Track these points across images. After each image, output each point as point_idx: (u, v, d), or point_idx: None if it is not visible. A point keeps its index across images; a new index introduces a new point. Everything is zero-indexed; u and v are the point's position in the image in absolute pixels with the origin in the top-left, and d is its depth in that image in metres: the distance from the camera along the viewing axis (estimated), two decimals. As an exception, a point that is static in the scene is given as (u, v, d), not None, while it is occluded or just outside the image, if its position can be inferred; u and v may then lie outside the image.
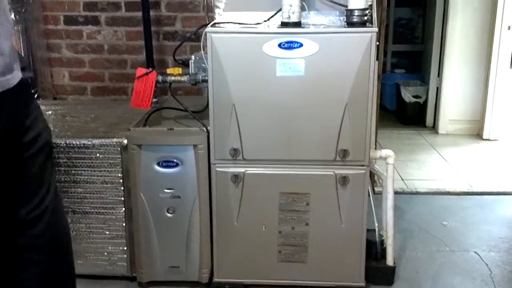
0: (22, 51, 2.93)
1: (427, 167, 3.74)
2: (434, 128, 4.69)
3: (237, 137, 1.99)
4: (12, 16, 2.83)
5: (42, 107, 2.64)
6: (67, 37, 3.22)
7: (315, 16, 2.03)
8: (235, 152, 2.00)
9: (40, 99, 3.05)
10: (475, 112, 4.49)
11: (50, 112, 2.57)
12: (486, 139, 4.34)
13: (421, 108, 4.80)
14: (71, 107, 2.69)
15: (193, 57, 2.07)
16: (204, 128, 2.03)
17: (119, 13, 3.16)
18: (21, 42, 2.92)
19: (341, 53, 1.89)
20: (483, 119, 4.39)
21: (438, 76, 4.63)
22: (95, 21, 3.18)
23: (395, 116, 5.02)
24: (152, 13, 3.13)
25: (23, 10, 2.88)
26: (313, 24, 2.01)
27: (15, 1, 2.83)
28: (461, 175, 3.55)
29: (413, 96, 4.79)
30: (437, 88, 4.64)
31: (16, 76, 1.21)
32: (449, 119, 4.55)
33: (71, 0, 3.16)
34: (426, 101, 4.77)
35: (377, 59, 2.30)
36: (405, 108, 4.84)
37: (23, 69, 1.29)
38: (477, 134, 4.46)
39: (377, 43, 2.22)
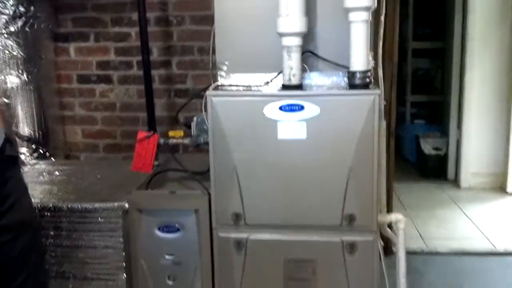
0: (34, 110, 2.97)
1: (448, 224, 3.59)
2: (455, 181, 4.55)
3: (239, 202, 1.93)
4: (25, 76, 2.89)
5: (51, 167, 2.66)
6: (80, 95, 3.26)
7: (317, 77, 1.99)
8: (237, 217, 1.93)
9: (51, 158, 3.06)
10: (498, 165, 4.35)
11: (57, 173, 2.57)
12: (511, 194, 4.18)
13: (442, 160, 4.68)
14: (78, 167, 2.68)
15: (195, 119, 2.05)
16: (206, 191, 1.98)
17: (131, 72, 3.19)
18: (32, 101, 2.96)
19: (343, 115, 1.84)
20: (506, 171, 4.24)
21: (458, 127, 4.53)
22: (107, 79, 3.22)
23: (415, 168, 4.90)
24: (163, 71, 3.17)
25: (35, 70, 2.93)
26: (315, 85, 1.98)
27: (27, 61, 2.88)
28: (483, 233, 3.40)
29: (433, 148, 4.68)
30: (457, 140, 4.53)
31: None
32: (471, 172, 4.41)
33: (84, 59, 3.21)
34: (446, 153, 4.66)
35: (384, 119, 2.24)
36: (425, 160, 4.73)
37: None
38: (500, 187, 4.31)
39: (384, 102, 2.18)
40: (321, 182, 1.89)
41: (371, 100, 1.81)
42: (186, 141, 2.05)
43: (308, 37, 1.91)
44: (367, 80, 1.84)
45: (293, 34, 1.83)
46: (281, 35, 1.85)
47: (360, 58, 1.83)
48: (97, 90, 3.25)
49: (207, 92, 1.90)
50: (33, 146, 2.99)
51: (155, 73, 3.17)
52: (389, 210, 3.08)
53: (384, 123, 2.24)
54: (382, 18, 2.15)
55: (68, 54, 3.21)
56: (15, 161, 1.42)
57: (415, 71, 5.49)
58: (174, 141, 2.06)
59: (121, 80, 3.20)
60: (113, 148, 3.30)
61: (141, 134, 2.02)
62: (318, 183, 1.89)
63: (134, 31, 3.13)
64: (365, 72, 1.83)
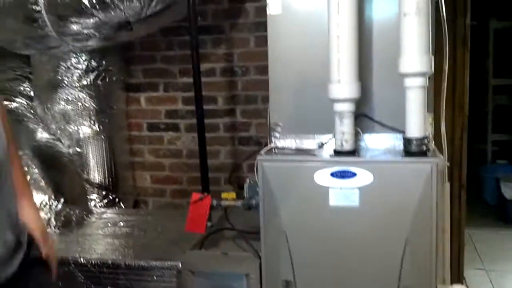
0: (105, 158, 3.10)
1: (529, 280, 3.33)
2: (541, 230, 4.22)
3: (289, 268, 1.89)
4: (96, 126, 3.02)
5: (117, 217, 2.75)
6: (150, 142, 3.36)
7: (372, 139, 1.92)
8: (287, 285, 1.89)
9: (121, 203, 3.17)
10: None
11: (122, 223, 2.65)
12: None
13: (525, 206, 4.37)
14: (142, 218, 2.75)
15: (247, 180, 2.05)
16: (257, 255, 1.96)
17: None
18: (104, 149, 3.09)
19: (398, 184, 1.76)
20: None
21: (544, 171, 4.22)
22: (175, 128, 3.31)
23: (495, 213, 4.61)
24: (228, 119, 3.21)
25: (106, 120, 3.06)
26: (369, 150, 1.91)
27: (99, 112, 3.01)
28: None
29: (516, 193, 4.39)
30: (543, 184, 4.22)
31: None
32: (559, 220, 4.08)
33: (154, 108, 3.32)
34: (530, 199, 4.34)
35: (448, 180, 2.13)
36: (506, 206, 4.43)
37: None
38: None
39: (448, 163, 2.07)
40: (375, 252, 1.81)
41: (428, 169, 1.72)
42: (239, 203, 2.05)
43: (362, 98, 1.85)
44: (424, 147, 1.75)
45: (345, 100, 1.79)
46: (333, 101, 1.81)
47: (416, 125, 1.75)
48: (165, 138, 3.34)
49: (258, 157, 1.89)
50: (103, 192, 3.11)
51: (220, 121, 3.23)
52: (461, 265, 2.90)
53: (447, 185, 2.12)
54: (446, 67, 2.05)
55: (138, 103, 3.33)
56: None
57: (496, 108, 5.20)
58: (227, 203, 2.07)
59: (187, 128, 3.28)
60: (179, 194, 3.36)
61: (195, 196, 2.04)
62: (372, 253, 1.82)
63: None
64: (421, 139, 1.75)
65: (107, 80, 3.03)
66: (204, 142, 2.33)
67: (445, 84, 2.08)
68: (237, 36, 3.13)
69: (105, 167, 3.11)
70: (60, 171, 2.79)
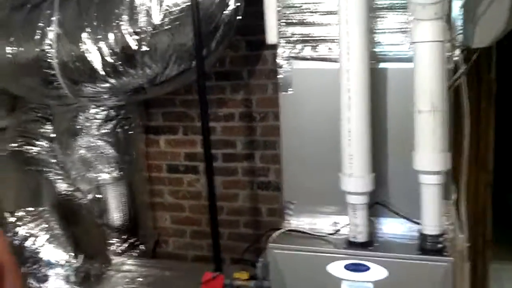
0: (125, 201, 3.11)
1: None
2: None
3: None
4: (116, 173, 3.04)
5: (135, 271, 2.77)
6: (169, 184, 3.37)
7: (387, 225, 1.87)
8: None
9: (141, 246, 3.19)
10: None
11: (140, 279, 2.66)
12: None
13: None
14: (160, 273, 2.76)
15: (260, 262, 2.02)
16: None
17: (216, 164, 3.24)
18: (123, 193, 3.10)
19: (413, 281, 1.71)
20: None
21: None
22: (194, 170, 3.30)
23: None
24: (246, 164, 3.19)
25: (126, 166, 3.08)
26: (384, 238, 1.85)
27: (119, 158, 3.02)
28: None
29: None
30: None
31: None
32: None
33: (173, 150, 3.32)
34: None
35: (468, 260, 2.07)
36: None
37: None
38: None
39: (468, 244, 2.01)
40: None
41: (443, 269, 1.67)
42: (251, 284, 2.03)
43: (377, 185, 1.79)
44: (439, 245, 1.69)
45: (357, 193, 1.74)
46: (345, 193, 1.77)
47: (432, 222, 1.69)
48: (185, 180, 3.34)
49: (269, 244, 1.87)
50: (124, 236, 3.14)
51: (239, 165, 3.21)
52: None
53: (467, 266, 2.06)
54: (467, 123, 1.93)
55: (158, 145, 3.34)
56: None
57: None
58: (239, 282, 2.05)
59: (206, 171, 3.26)
60: (199, 235, 3.37)
61: (207, 275, 2.03)
62: None
63: (220, 125, 3.19)
64: (437, 236, 1.69)
65: (126, 127, 3.03)
66: (215, 214, 2.31)
67: (467, 142, 1.99)
68: (255, 82, 3.09)
69: (125, 210, 3.14)
70: (79, 225, 2.82)
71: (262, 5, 2.10)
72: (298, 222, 1.99)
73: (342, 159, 1.74)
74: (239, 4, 2.32)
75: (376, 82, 1.78)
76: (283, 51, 1.95)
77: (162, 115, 3.30)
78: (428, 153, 1.63)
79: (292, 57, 1.93)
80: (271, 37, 1.96)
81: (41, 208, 2.67)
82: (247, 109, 3.13)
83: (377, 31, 1.81)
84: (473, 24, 1.79)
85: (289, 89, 1.95)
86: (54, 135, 3.10)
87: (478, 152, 2.60)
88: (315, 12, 1.87)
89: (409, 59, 1.71)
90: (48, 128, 3.14)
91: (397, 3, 1.78)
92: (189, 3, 2.11)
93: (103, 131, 2.97)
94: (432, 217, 1.68)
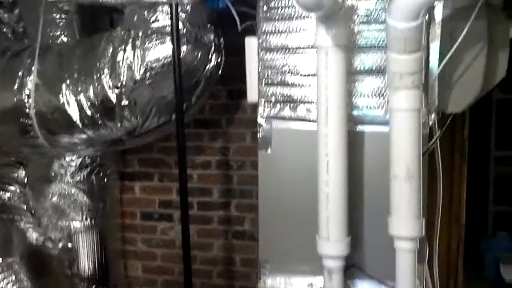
0: (95, 249, 3.04)
1: None
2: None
3: None
4: (88, 221, 2.98)
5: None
6: (142, 231, 3.32)
7: (363, 287, 1.87)
8: None
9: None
10: None
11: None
12: None
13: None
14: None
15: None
16: None
17: (191, 212, 3.21)
18: (95, 241, 3.03)
19: None
20: None
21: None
22: (169, 218, 3.27)
23: (497, 293, 4.51)
24: (222, 212, 3.18)
25: (98, 214, 3.02)
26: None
27: (92, 206, 2.97)
28: None
29: (516, 276, 4.29)
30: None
31: None
32: None
33: (148, 197, 3.29)
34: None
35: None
36: (506, 288, 4.34)
37: None
38: None
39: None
40: None
41: (417, 335, 1.67)
42: None
43: (353, 248, 1.80)
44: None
45: (334, 257, 1.75)
46: (321, 255, 1.77)
47: (406, 286, 1.70)
48: (159, 227, 3.29)
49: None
50: (94, 286, 3.06)
51: (214, 213, 3.18)
52: None
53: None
54: (440, 187, 1.97)
55: (133, 192, 3.30)
56: None
57: (498, 179, 5.14)
58: None
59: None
60: (171, 284, 3.31)
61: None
62: None
63: (196, 173, 3.18)
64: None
65: (101, 174, 3.00)
66: (189, 263, 2.28)
67: (440, 202, 2.02)
68: (234, 130, 3.10)
69: (96, 259, 3.06)
70: (49, 276, 2.75)
71: (242, 55, 2.15)
72: (273, 282, 1.98)
73: (319, 222, 1.75)
74: (220, 59, 2.35)
75: (353, 145, 1.81)
76: (262, 110, 1.97)
77: (138, 161, 3.27)
78: (404, 219, 1.65)
79: (272, 116, 1.96)
80: (252, 96, 1.99)
81: (10, 259, 2.59)
82: (225, 157, 3.13)
83: (355, 94, 1.84)
84: (448, 90, 1.85)
85: (268, 148, 1.96)
86: (27, 180, 3.04)
87: (451, 207, 2.65)
88: (296, 73, 1.91)
89: (386, 123, 1.75)
90: (21, 173, 3.09)
91: (374, 68, 1.83)
92: (170, 59, 2.12)
93: (77, 178, 2.92)
94: (406, 281, 1.69)
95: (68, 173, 2.91)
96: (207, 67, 2.29)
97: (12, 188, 3.07)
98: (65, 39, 2.51)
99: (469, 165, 2.74)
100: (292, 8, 1.85)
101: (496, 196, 5.13)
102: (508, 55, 1.90)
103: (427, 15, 1.67)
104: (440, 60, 1.77)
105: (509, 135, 5.00)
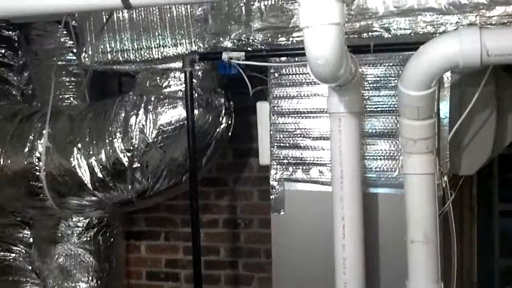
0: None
1: None
2: None
3: None
4: (94, 282, 2.93)
5: None
6: (149, 291, 3.26)
7: None
8: None
9: None
10: None
11: None
12: None
13: None
14: None
15: None
16: None
17: (199, 271, 3.17)
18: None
19: None
20: None
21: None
22: (175, 277, 3.22)
23: None
24: (229, 271, 3.13)
25: (105, 275, 2.98)
26: None
27: (98, 266, 2.93)
28: None
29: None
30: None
31: None
32: None
33: (154, 257, 3.25)
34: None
35: None
36: None
37: None
38: None
39: None
40: None
41: None
42: None
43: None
44: None
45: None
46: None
47: None
48: (165, 287, 3.24)
49: None
50: None
51: (222, 273, 3.14)
52: None
53: None
54: (454, 248, 1.94)
55: (139, 251, 3.26)
56: None
57: (504, 233, 5.10)
58: None
59: (188, 279, 3.18)
60: None
61: None
62: None
63: (203, 232, 3.15)
64: None
65: (108, 234, 2.97)
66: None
67: (455, 262, 2.00)
68: (241, 189, 3.10)
69: (102, 322, 3.00)
70: None
71: (249, 115, 2.18)
72: None
73: (336, 287, 1.73)
74: (230, 121, 2.38)
75: (367, 207, 1.81)
76: (275, 173, 1.99)
77: (144, 220, 3.26)
78: (422, 284, 1.63)
79: (284, 178, 1.97)
80: (264, 159, 2.01)
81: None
82: (232, 216, 3.12)
83: (368, 157, 1.87)
84: (460, 153, 1.87)
85: (281, 210, 1.97)
86: (33, 240, 3.01)
87: (462, 265, 2.62)
88: (307, 137, 1.94)
89: (399, 185, 1.76)
90: (26, 233, 3.06)
91: (385, 131, 1.86)
92: (182, 122, 2.15)
93: (84, 239, 2.90)
94: None
95: (75, 234, 2.89)
96: (217, 130, 2.32)
97: (17, 248, 3.04)
98: (75, 102, 2.55)
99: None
100: (302, 75, 1.90)
101: (502, 250, 5.08)
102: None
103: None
104: (451, 124, 1.79)
105: (512, 188, 5.01)
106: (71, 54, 2.56)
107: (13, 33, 2.87)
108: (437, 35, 1.73)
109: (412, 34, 1.78)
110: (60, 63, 2.54)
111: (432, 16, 1.76)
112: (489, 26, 1.73)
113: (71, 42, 2.48)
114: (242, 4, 1.94)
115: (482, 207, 3.70)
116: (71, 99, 2.59)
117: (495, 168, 4.96)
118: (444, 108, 1.83)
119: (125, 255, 3.26)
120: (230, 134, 2.62)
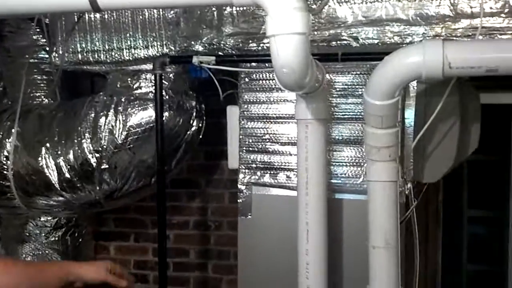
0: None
1: None
2: None
3: None
4: None
5: None
6: (117, 293, 3.24)
7: None
8: None
9: None
10: None
11: None
12: None
13: None
14: None
15: None
16: None
17: (168, 273, 3.16)
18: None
19: None
20: None
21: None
22: (144, 279, 3.21)
23: None
24: (198, 273, 3.14)
25: None
26: None
27: None
28: None
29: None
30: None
31: None
32: None
33: (123, 258, 3.23)
34: None
35: None
36: None
37: None
38: None
39: None
40: None
41: None
42: None
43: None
44: None
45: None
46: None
47: None
48: (134, 289, 3.22)
49: None
50: None
51: (191, 275, 3.14)
52: None
53: None
54: (416, 254, 1.98)
55: (108, 252, 3.24)
56: None
57: (471, 238, 5.21)
58: None
59: (157, 281, 3.16)
60: None
61: None
62: None
63: (172, 233, 3.15)
64: None
65: (76, 234, 2.95)
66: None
67: (417, 268, 2.04)
68: (212, 191, 3.11)
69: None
70: None
71: (221, 118, 2.19)
72: None
73: (298, 291, 1.76)
74: (201, 124, 2.39)
75: (332, 212, 1.84)
76: (243, 177, 2.01)
77: (114, 221, 3.24)
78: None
79: (252, 183, 1.99)
80: (233, 163, 2.02)
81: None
82: (202, 218, 3.13)
83: (334, 163, 1.90)
84: (423, 161, 1.91)
85: (248, 214, 1.99)
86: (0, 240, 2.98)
87: (426, 271, 2.67)
88: (276, 142, 1.96)
89: (363, 191, 1.79)
90: (-6, 235, 3.02)
91: (351, 138, 1.89)
92: (152, 124, 2.16)
93: (52, 239, 2.87)
94: None
95: (43, 234, 2.86)
96: (188, 132, 2.32)
97: (-18, 251, 3.00)
98: (46, 100, 2.53)
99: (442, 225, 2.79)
100: (272, 80, 1.92)
101: (470, 256, 5.18)
102: (479, 128, 1.98)
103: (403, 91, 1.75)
104: (415, 132, 1.83)
105: (481, 195, 5.11)
106: (43, 52, 2.53)
107: (-15, 30, 2.84)
108: (404, 45, 1.77)
109: (380, 44, 1.82)
110: (32, 61, 2.51)
111: (399, 26, 1.80)
112: (454, 38, 1.78)
113: (44, 40, 2.47)
114: (214, 9, 1.95)
115: (450, 213, 3.78)
116: (42, 97, 2.56)
117: (464, 174, 5.07)
118: (409, 117, 1.87)
119: (94, 255, 3.24)
120: (202, 136, 2.63)
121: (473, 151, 2.01)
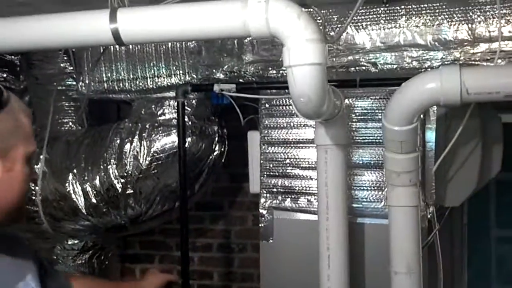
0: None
1: None
2: None
3: None
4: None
5: None
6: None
7: None
8: None
9: None
10: None
11: None
12: None
13: None
14: None
15: None
16: None
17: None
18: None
19: None
20: None
21: None
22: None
23: None
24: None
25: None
26: None
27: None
28: None
29: None
30: None
31: None
32: None
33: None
34: None
35: None
36: None
37: None
38: None
39: None
40: None
41: None
42: None
43: None
44: None
45: None
46: None
47: None
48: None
49: None
50: None
51: (215, 297, 3.15)
52: None
53: None
54: (440, 278, 1.96)
55: (134, 274, 3.28)
56: None
57: (499, 259, 5.09)
58: None
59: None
60: None
61: None
62: None
63: (196, 256, 3.17)
64: None
65: (102, 257, 3.00)
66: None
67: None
68: (236, 213, 3.13)
69: None
70: None
71: (244, 141, 2.21)
72: None
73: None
74: (224, 148, 2.43)
75: (354, 236, 1.84)
76: (264, 201, 2.03)
77: (139, 243, 3.29)
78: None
79: (274, 207, 2.01)
80: (254, 187, 2.04)
81: None
82: (226, 240, 3.15)
83: (354, 187, 1.90)
84: (445, 184, 1.90)
85: (270, 238, 2.00)
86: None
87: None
88: (297, 166, 1.98)
89: (385, 216, 1.79)
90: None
91: (372, 162, 1.90)
92: (175, 149, 2.20)
93: (79, 261, 2.92)
94: None
95: (70, 257, 2.91)
96: (210, 157, 2.36)
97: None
98: (73, 126, 2.60)
99: (469, 245, 2.75)
100: (291, 106, 1.94)
101: (498, 275, 5.06)
102: (502, 149, 1.97)
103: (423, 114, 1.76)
104: (437, 156, 1.83)
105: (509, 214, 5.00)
106: (71, 80, 2.61)
107: (15, 57, 2.94)
108: (423, 70, 1.78)
109: (398, 69, 1.84)
110: (59, 88, 2.59)
111: (417, 51, 1.82)
112: (473, 62, 1.78)
113: (71, 67, 2.55)
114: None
115: (476, 234, 3.71)
116: (70, 123, 2.64)
117: (492, 194, 4.97)
118: (430, 140, 1.87)
119: (120, 278, 3.28)
120: (225, 159, 2.66)
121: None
